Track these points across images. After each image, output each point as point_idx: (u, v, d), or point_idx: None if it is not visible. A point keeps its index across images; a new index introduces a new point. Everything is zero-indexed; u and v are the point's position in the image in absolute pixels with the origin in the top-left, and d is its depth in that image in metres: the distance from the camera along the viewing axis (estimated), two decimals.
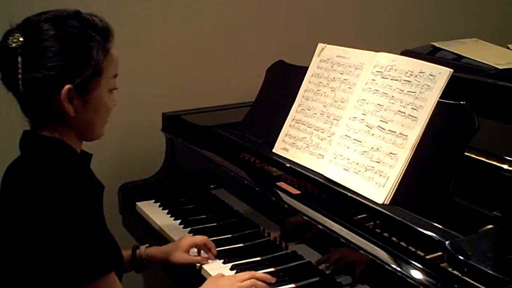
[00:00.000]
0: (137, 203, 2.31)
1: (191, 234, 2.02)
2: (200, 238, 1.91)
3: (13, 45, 1.40)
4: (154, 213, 2.23)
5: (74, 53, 1.42)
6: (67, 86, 1.40)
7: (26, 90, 1.42)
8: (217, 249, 1.93)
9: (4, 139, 1.93)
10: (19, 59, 1.39)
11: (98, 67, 1.45)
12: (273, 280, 1.68)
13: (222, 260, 1.88)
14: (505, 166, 1.64)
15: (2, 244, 1.46)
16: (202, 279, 1.81)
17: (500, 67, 2.09)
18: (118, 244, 1.62)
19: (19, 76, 1.40)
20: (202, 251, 1.90)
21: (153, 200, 2.32)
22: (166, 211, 2.23)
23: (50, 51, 1.40)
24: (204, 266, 1.85)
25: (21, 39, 1.40)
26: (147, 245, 1.94)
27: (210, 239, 1.96)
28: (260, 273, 1.72)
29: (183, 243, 1.89)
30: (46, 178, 1.40)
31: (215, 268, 1.84)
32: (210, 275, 1.80)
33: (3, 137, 2.16)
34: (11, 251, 1.42)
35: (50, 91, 1.41)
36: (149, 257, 1.89)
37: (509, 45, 2.32)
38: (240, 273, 1.73)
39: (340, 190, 1.68)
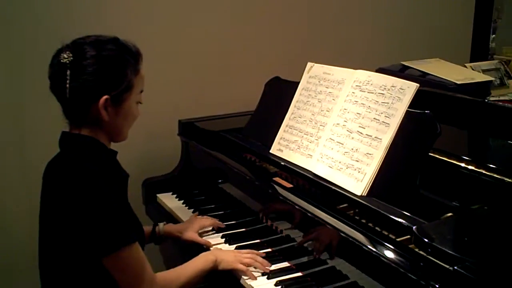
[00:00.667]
0: (158, 195, 2.31)
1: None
2: (209, 221, 1.96)
3: (64, 60, 1.44)
4: (172, 203, 2.23)
5: (112, 72, 1.47)
6: (105, 97, 1.45)
7: (71, 97, 1.46)
8: (223, 233, 1.93)
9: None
10: (68, 72, 1.44)
11: (130, 84, 1.50)
12: (269, 265, 1.68)
13: (227, 243, 1.87)
14: (463, 164, 1.64)
15: (47, 220, 1.51)
16: (199, 245, 1.87)
17: (458, 82, 2.09)
18: (140, 222, 1.65)
19: (67, 85, 1.44)
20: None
21: (171, 193, 2.31)
22: (182, 201, 2.23)
23: (93, 68, 1.44)
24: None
25: (71, 56, 1.44)
26: (165, 222, 1.98)
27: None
28: (261, 253, 1.73)
29: (195, 224, 1.94)
30: (85, 169, 1.44)
31: (212, 240, 1.87)
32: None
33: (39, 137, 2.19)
34: (57, 225, 1.47)
35: (91, 99, 1.46)
36: (166, 233, 1.94)
37: (466, 64, 2.32)
38: (244, 250, 1.75)
39: (326, 184, 1.67)
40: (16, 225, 2.25)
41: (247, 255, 1.70)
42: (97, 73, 1.44)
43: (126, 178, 1.63)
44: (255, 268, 1.67)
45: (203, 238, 1.90)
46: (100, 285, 1.47)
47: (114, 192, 1.46)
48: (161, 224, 1.95)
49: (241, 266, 1.66)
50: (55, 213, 1.48)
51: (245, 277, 1.64)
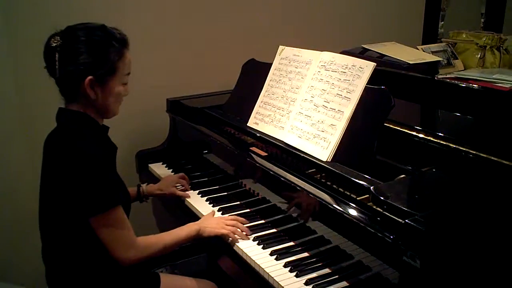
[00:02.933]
0: (149, 165, 2.29)
1: (189, 186, 2.02)
2: (180, 174, 2.03)
3: (54, 44, 1.45)
4: (162, 171, 2.22)
5: (96, 54, 1.46)
6: (89, 77, 1.45)
7: (61, 77, 1.47)
8: (208, 196, 1.93)
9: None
10: (57, 55, 1.44)
11: (113, 66, 1.49)
12: (249, 233, 1.66)
13: (211, 204, 1.88)
14: (414, 133, 1.65)
15: (45, 186, 1.53)
16: (186, 207, 1.92)
17: (411, 62, 2.08)
18: (127, 189, 1.64)
19: (56, 67, 1.45)
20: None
21: (161, 162, 2.30)
22: (171, 170, 2.22)
23: (79, 51, 1.44)
24: (191, 202, 1.91)
25: (59, 40, 1.45)
26: (146, 183, 2.01)
27: (203, 189, 1.99)
28: (242, 219, 1.71)
29: (170, 180, 2.01)
30: (77, 139, 1.45)
31: (205, 209, 1.85)
32: (192, 205, 1.89)
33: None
34: (53, 189, 1.49)
35: (78, 79, 1.45)
36: (148, 192, 1.97)
37: (417, 46, 2.32)
38: (227, 216, 1.74)
39: (296, 152, 1.68)
40: (20, 189, 2.22)
41: (230, 222, 1.68)
42: (82, 56, 1.44)
43: (115, 149, 1.62)
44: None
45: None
46: (90, 243, 1.47)
47: (103, 159, 1.47)
48: (143, 185, 1.98)
49: (224, 231, 1.63)
50: (52, 179, 1.49)
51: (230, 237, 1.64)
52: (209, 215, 1.77)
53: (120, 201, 1.47)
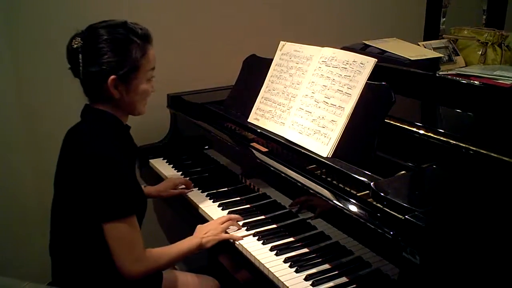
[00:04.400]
0: (150, 160, 2.29)
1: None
2: (179, 180, 2.00)
3: (75, 45, 1.44)
4: (163, 167, 2.22)
5: (118, 53, 1.43)
6: (112, 77, 1.43)
7: (85, 78, 1.46)
8: (208, 192, 1.93)
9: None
10: (80, 56, 1.43)
11: (136, 64, 1.46)
12: (241, 219, 1.68)
13: (212, 200, 1.88)
14: (414, 129, 1.65)
15: (62, 182, 1.50)
16: (187, 202, 1.91)
17: (412, 58, 2.09)
18: (144, 193, 1.60)
19: (80, 68, 1.44)
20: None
21: (162, 158, 2.30)
22: (171, 165, 2.22)
23: (101, 51, 1.42)
24: (192, 198, 1.90)
25: (81, 41, 1.43)
26: (145, 185, 2.01)
27: (203, 185, 1.98)
28: (233, 215, 1.71)
29: (169, 183, 1.98)
30: (99, 140, 1.43)
31: (206, 204, 1.85)
32: (192, 200, 1.88)
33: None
34: (70, 187, 1.46)
35: (102, 79, 1.43)
36: (146, 194, 1.90)
37: (419, 43, 2.32)
38: (219, 217, 1.70)
39: (297, 148, 1.68)
40: (21, 189, 2.22)
41: (223, 220, 1.66)
42: (105, 55, 1.42)
43: (137, 151, 1.60)
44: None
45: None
46: (97, 241, 1.43)
47: (123, 163, 1.44)
48: (142, 186, 1.91)
49: (225, 236, 1.62)
50: (69, 176, 1.46)
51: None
52: (203, 225, 1.69)
53: (135, 210, 1.44)
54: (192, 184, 1.99)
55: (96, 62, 1.42)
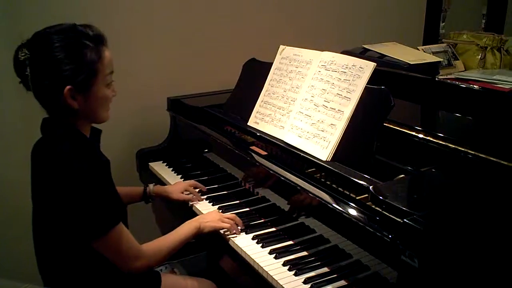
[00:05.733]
0: (150, 163, 2.30)
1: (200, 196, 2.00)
2: (191, 182, 1.96)
3: (22, 58, 1.33)
4: (162, 170, 2.22)
5: (71, 60, 1.32)
6: (68, 87, 1.32)
7: (38, 92, 1.37)
8: (207, 195, 1.94)
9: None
10: (28, 69, 1.33)
11: (92, 68, 1.35)
12: (242, 226, 1.68)
13: (211, 203, 1.88)
14: (413, 133, 1.65)
15: (38, 200, 1.45)
16: (193, 213, 1.86)
17: (411, 63, 2.09)
18: (121, 199, 1.53)
19: (29, 82, 1.35)
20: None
21: (162, 161, 2.31)
22: (171, 168, 2.23)
23: (51, 61, 1.31)
24: (195, 204, 1.88)
25: (27, 53, 1.33)
26: (154, 183, 1.98)
27: None
28: (237, 218, 1.70)
29: (180, 185, 1.95)
30: (67, 157, 1.34)
31: (205, 208, 1.85)
32: (200, 211, 1.83)
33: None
34: (46, 207, 1.41)
35: (55, 92, 1.33)
36: (155, 193, 1.93)
37: (418, 47, 2.32)
38: (227, 214, 1.73)
39: (296, 151, 1.68)
40: (20, 190, 2.22)
41: (228, 215, 1.69)
42: (56, 65, 1.31)
43: (106, 163, 1.47)
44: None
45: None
46: (88, 251, 1.41)
47: (94, 176, 1.34)
48: (151, 185, 1.95)
49: (224, 225, 1.64)
50: (44, 197, 1.40)
51: (229, 235, 1.65)
52: (208, 213, 1.76)
53: (120, 217, 1.40)
54: (205, 188, 1.96)
55: (47, 74, 1.31)
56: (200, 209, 1.85)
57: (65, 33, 1.34)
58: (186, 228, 1.62)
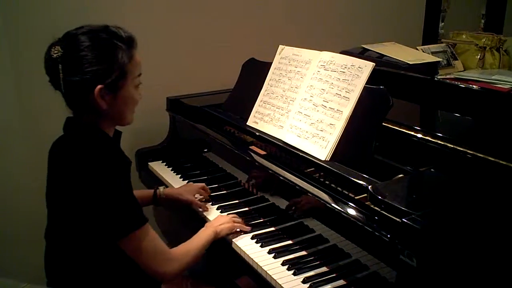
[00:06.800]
0: (149, 163, 2.30)
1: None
2: (200, 185, 1.93)
3: (55, 55, 1.33)
4: (162, 170, 2.22)
5: (103, 60, 1.33)
6: (99, 86, 1.33)
7: (67, 90, 1.35)
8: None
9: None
10: (60, 66, 1.33)
11: (124, 70, 1.36)
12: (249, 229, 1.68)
13: (210, 203, 1.89)
14: (412, 133, 1.65)
15: (55, 201, 1.43)
16: (194, 213, 1.85)
17: (410, 62, 2.09)
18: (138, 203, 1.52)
19: (61, 80, 1.34)
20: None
21: (161, 161, 2.31)
22: (170, 168, 2.23)
23: (84, 59, 1.32)
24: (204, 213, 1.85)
25: (61, 50, 1.33)
26: (164, 186, 1.95)
27: None
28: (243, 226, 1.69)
29: (191, 188, 1.91)
30: (92, 157, 1.34)
31: (210, 213, 1.84)
32: (208, 218, 1.80)
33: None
34: (67, 208, 1.39)
35: (86, 90, 1.34)
36: (166, 195, 1.88)
37: (417, 47, 2.32)
38: (234, 215, 1.73)
39: (295, 151, 1.68)
40: (19, 190, 2.23)
41: (237, 219, 1.69)
42: (89, 64, 1.31)
43: (129, 164, 1.48)
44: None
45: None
46: (96, 251, 1.40)
47: (120, 176, 1.37)
48: (161, 188, 1.91)
49: (237, 225, 1.65)
50: (64, 197, 1.38)
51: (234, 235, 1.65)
52: (217, 217, 1.72)
53: (146, 218, 1.39)
54: (210, 193, 1.93)
55: (79, 72, 1.31)
56: (200, 209, 1.85)
57: (97, 33, 1.36)
58: (205, 234, 1.59)
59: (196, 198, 1.89)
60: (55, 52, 1.33)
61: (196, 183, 1.97)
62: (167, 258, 1.43)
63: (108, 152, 1.39)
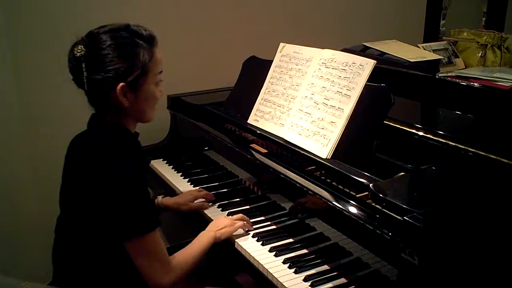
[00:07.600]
0: (150, 161, 2.27)
1: (189, 183, 2.03)
2: (202, 193, 1.90)
3: (78, 54, 1.35)
4: (162, 168, 2.22)
5: (125, 58, 1.36)
6: (121, 84, 1.35)
7: (91, 88, 1.37)
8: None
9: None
10: (83, 65, 1.35)
11: (145, 68, 1.39)
12: (252, 228, 1.67)
13: (211, 201, 1.88)
14: (414, 131, 1.65)
15: (71, 196, 1.43)
16: (201, 218, 1.83)
17: (411, 60, 2.09)
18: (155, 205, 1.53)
19: (84, 78, 1.36)
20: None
21: (162, 159, 2.30)
22: (171, 166, 2.22)
23: (106, 58, 1.34)
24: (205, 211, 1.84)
25: (84, 49, 1.35)
26: (163, 195, 1.92)
27: (202, 186, 1.98)
28: (245, 218, 1.69)
29: (189, 196, 1.88)
30: (114, 156, 1.36)
31: (211, 212, 1.84)
32: (209, 216, 1.80)
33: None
34: (82, 203, 1.39)
35: (108, 88, 1.36)
36: (164, 205, 1.87)
37: (419, 45, 2.32)
38: (235, 215, 1.71)
39: (296, 149, 1.68)
40: (19, 189, 2.23)
41: (238, 217, 1.67)
42: (111, 62, 1.34)
43: (148, 164, 1.50)
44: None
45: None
46: (102, 252, 1.40)
47: (140, 179, 1.37)
48: (159, 197, 1.89)
49: (238, 224, 1.63)
50: (80, 191, 1.39)
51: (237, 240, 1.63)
52: (218, 218, 1.71)
53: (159, 223, 1.38)
54: (213, 197, 1.90)
55: (102, 70, 1.34)
56: (208, 214, 1.83)
57: (119, 32, 1.38)
58: (204, 239, 1.57)
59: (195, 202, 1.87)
60: (78, 51, 1.35)
61: (195, 189, 1.95)
62: (166, 270, 1.41)
63: (131, 149, 1.42)
